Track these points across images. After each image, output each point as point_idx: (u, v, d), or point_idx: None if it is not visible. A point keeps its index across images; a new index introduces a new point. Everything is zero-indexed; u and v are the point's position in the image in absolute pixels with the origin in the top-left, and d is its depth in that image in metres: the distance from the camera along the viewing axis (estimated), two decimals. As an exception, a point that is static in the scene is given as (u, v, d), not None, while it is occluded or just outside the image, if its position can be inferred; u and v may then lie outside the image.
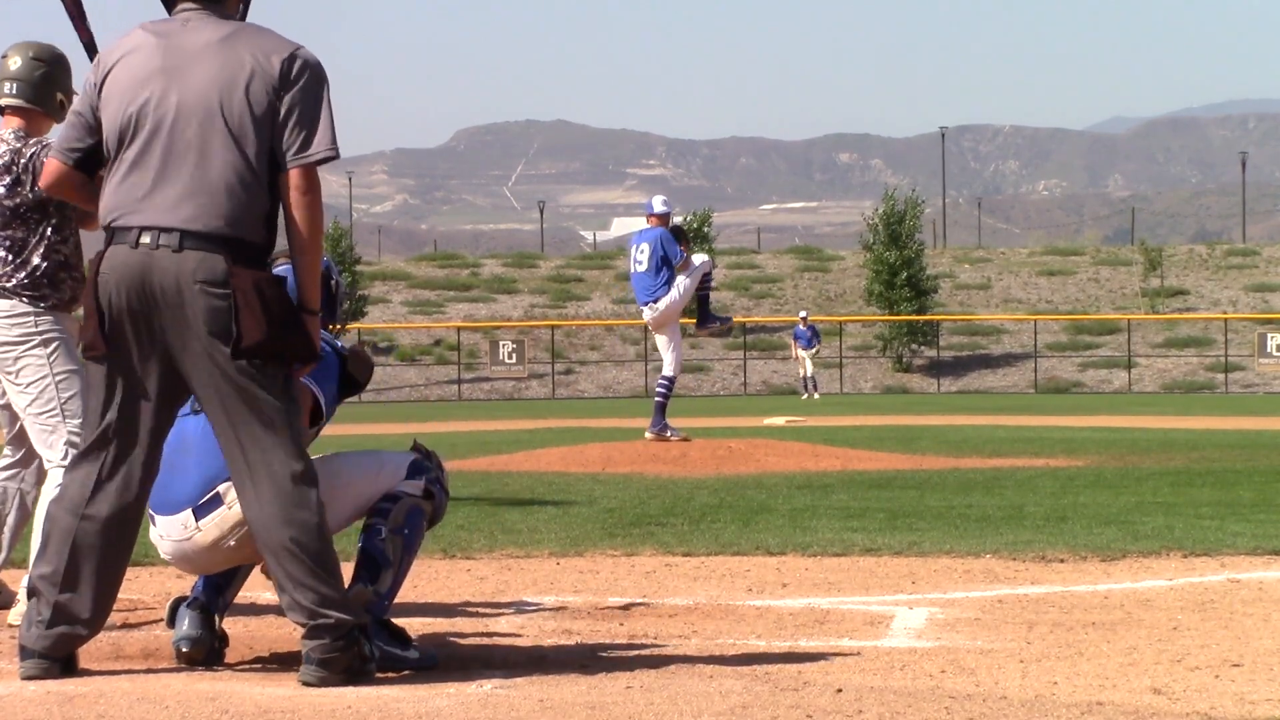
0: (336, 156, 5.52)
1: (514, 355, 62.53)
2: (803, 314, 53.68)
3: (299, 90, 5.46)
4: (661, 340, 17.84)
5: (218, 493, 5.71)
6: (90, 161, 5.66)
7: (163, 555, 5.88)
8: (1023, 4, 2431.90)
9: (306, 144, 5.45)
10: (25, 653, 5.50)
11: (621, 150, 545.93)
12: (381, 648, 5.67)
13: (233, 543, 5.71)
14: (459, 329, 64.91)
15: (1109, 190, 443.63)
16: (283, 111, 5.44)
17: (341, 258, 64.58)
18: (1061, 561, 8.92)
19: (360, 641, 5.46)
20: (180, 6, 5.62)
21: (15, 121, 7.13)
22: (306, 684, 5.36)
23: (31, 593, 5.57)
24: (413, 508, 5.91)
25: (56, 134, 5.81)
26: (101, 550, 5.51)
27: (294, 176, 5.45)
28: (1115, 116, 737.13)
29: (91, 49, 6.81)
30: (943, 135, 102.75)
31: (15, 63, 7.15)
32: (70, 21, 6.83)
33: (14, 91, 7.11)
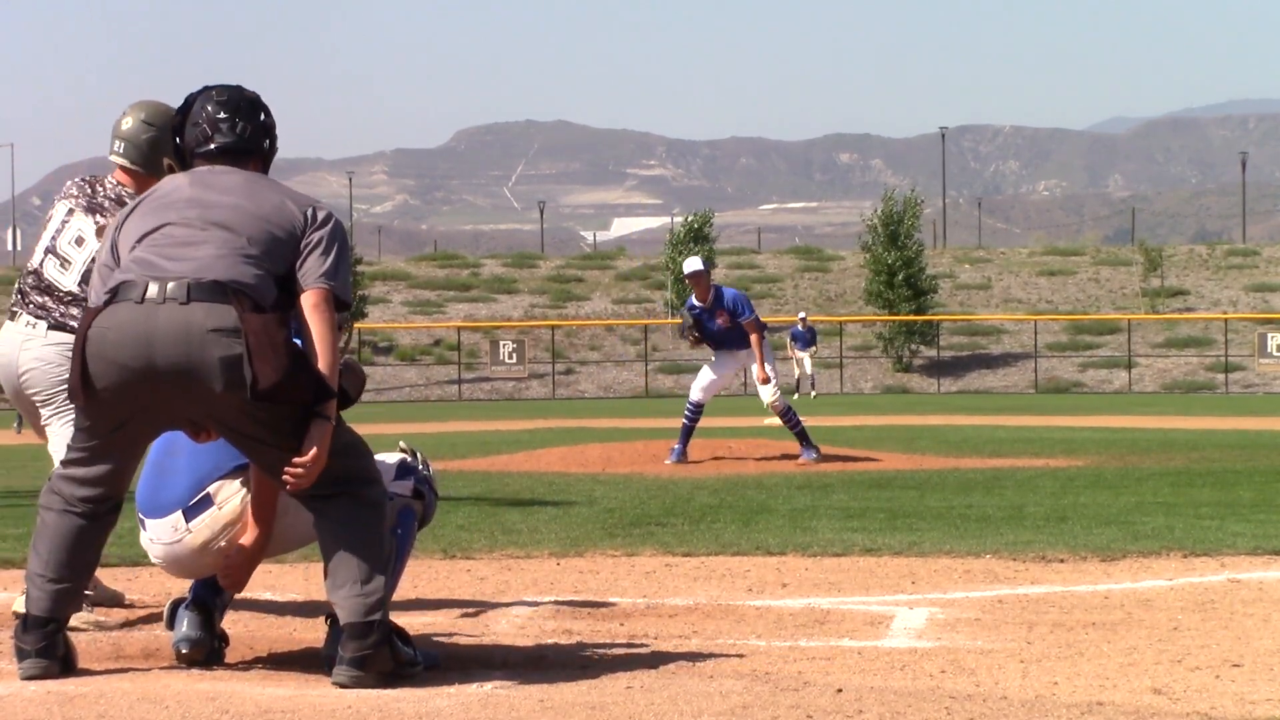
0: (350, 307, 5.64)
1: (514, 355, 62.52)
2: (801, 315, 53.67)
3: (323, 231, 5.59)
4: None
5: (208, 493, 5.71)
6: None
7: (153, 559, 5.88)
8: (1023, 4, 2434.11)
9: (328, 275, 5.54)
10: (23, 653, 5.51)
11: (621, 150, 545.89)
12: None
13: (224, 543, 5.70)
14: (459, 329, 64.91)
15: (1109, 190, 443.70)
16: (306, 248, 5.54)
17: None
18: (1061, 561, 8.92)
19: (395, 644, 5.51)
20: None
21: (122, 178, 7.21)
22: (340, 685, 5.37)
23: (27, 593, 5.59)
24: (403, 508, 5.91)
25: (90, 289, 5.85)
26: (80, 548, 5.56)
27: (312, 294, 5.50)
28: (1115, 116, 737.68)
29: None
30: (943, 135, 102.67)
31: (128, 123, 7.24)
32: None
33: (120, 150, 7.24)
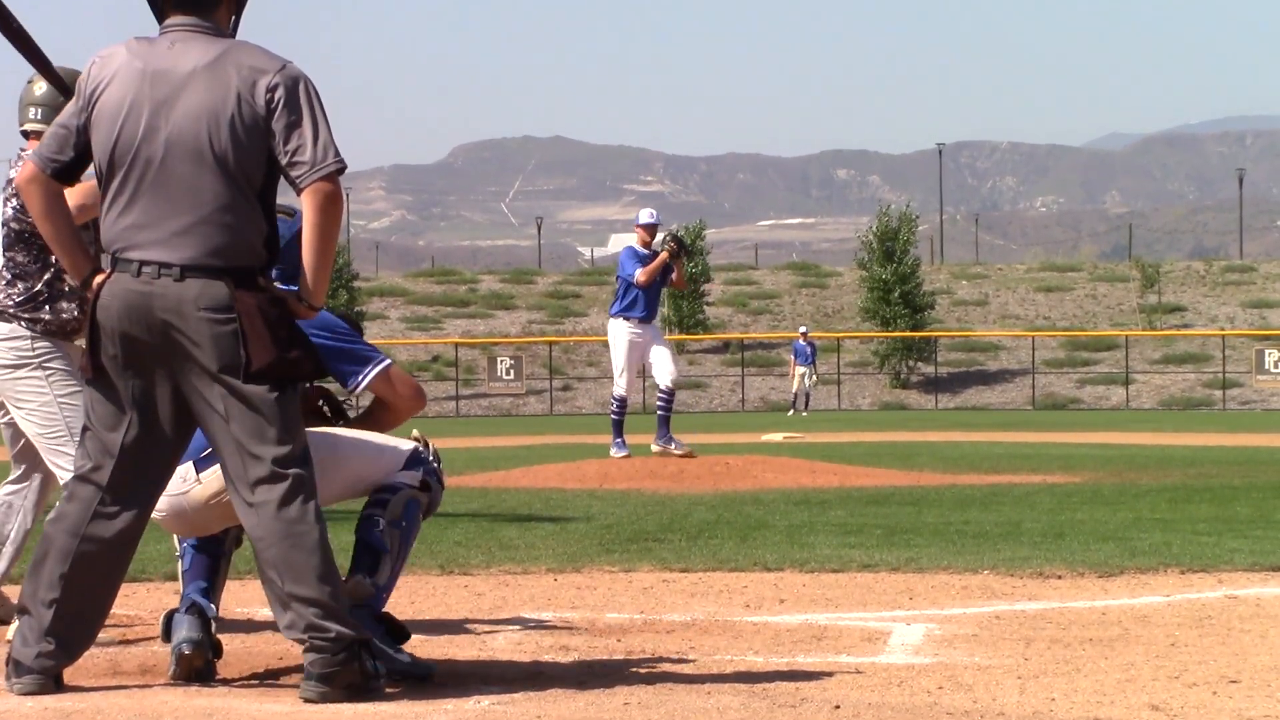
0: (343, 167, 5.45)
1: (512, 371, 62.50)
2: (803, 329, 53.63)
3: (289, 110, 5.40)
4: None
5: None
6: (67, 174, 5.55)
7: (154, 513, 5.83)
8: (1021, 20, 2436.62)
9: (310, 164, 5.40)
10: (20, 669, 5.49)
11: (619, 166, 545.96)
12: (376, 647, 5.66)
13: (227, 497, 5.68)
14: (457, 345, 64.89)
15: (1106, 206, 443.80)
16: (278, 135, 5.40)
17: (339, 274, 64.52)
18: (1059, 578, 8.91)
19: (362, 657, 5.44)
20: (170, 22, 5.54)
21: None
22: (307, 700, 5.35)
23: (22, 610, 5.56)
24: (410, 500, 5.92)
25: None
26: (97, 574, 5.50)
27: (305, 198, 5.43)
28: (1113, 133, 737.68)
29: (55, 81, 6.70)
30: (940, 151, 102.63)
31: (40, 88, 7.12)
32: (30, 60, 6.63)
33: (38, 117, 7.09)
